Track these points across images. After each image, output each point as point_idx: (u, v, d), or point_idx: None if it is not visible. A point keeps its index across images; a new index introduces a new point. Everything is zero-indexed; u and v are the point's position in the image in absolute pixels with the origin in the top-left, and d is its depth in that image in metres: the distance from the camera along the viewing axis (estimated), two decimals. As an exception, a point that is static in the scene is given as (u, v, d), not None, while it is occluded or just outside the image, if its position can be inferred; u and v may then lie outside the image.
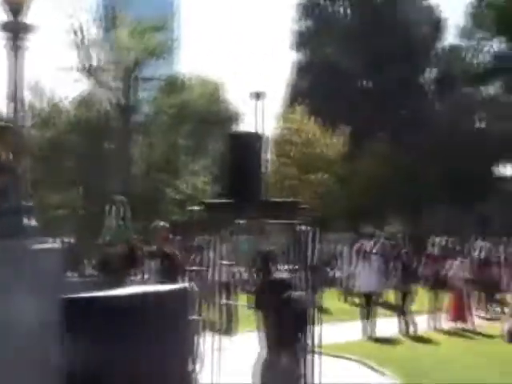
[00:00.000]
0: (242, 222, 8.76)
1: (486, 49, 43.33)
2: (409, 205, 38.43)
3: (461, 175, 36.63)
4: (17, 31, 5.76)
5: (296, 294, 7.58)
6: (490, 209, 41.69)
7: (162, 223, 8.47)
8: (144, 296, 4.51)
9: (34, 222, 5.41)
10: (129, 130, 36.27)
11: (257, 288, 7.86)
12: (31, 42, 5.89)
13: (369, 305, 14.90)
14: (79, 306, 4.19)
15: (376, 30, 40.93)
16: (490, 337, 13.43)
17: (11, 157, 5.66)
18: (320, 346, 8.74)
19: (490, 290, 17.99)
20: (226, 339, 8.96)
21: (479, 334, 14.39)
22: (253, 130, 8.47)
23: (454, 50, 44.68)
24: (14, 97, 5.81)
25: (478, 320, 16.37)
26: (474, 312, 16.78)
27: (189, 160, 38.09)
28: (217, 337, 8.67)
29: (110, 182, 33.42)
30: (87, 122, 35.96)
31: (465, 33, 43.40)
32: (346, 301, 21.05)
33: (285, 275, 8.24)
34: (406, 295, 15.03)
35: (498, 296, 18.54)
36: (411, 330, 14.55)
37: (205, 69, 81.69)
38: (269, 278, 7.56)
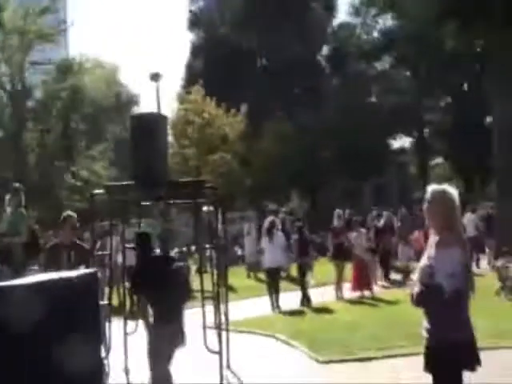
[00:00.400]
0: (146, 204, 8.69)
1: (376, 25, 44.63)
2: (309, 181, 39.18)
3: (357, 149, 37.67)
4: None
5: (177, 265, 7.52)
6: (386, 180, 43.31)
7: (70, 213, 8.20)
8: (51, 283, 4.40)
9: None
10: (21, 117, 34.96)
11: (133, 272, 7.64)
12: None
13: (274, 280, 15.14)
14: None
15: (271, 8, 41.20)
16: (391, 302, 13.95)
17: None
18: (228, 323, 8.85)
19: (389, 258, 18.65)
20: (132, 323, 8.88)
21: (380, 300, 14.92)
22: (154, 111, 8.34)
23: (347, 27, 45.73)
24: None
25: (378, 288, 17.01)
26: (375, 280, 17.43)
27: (85, 145, 37.21)
28: (124, 321, 8.59)
29: (4, 171, 32.22)
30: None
31: (356, 10, 44.46)
32: (251, 277, 21.32)
33: (166, 252, 8.17)
34: (304, 268, 15.39)
35: (397, 263, 19.29)
36: (312, 301, 14.89)
37: (100, 52, 79.85)
38: (147, 257, 7.37)
